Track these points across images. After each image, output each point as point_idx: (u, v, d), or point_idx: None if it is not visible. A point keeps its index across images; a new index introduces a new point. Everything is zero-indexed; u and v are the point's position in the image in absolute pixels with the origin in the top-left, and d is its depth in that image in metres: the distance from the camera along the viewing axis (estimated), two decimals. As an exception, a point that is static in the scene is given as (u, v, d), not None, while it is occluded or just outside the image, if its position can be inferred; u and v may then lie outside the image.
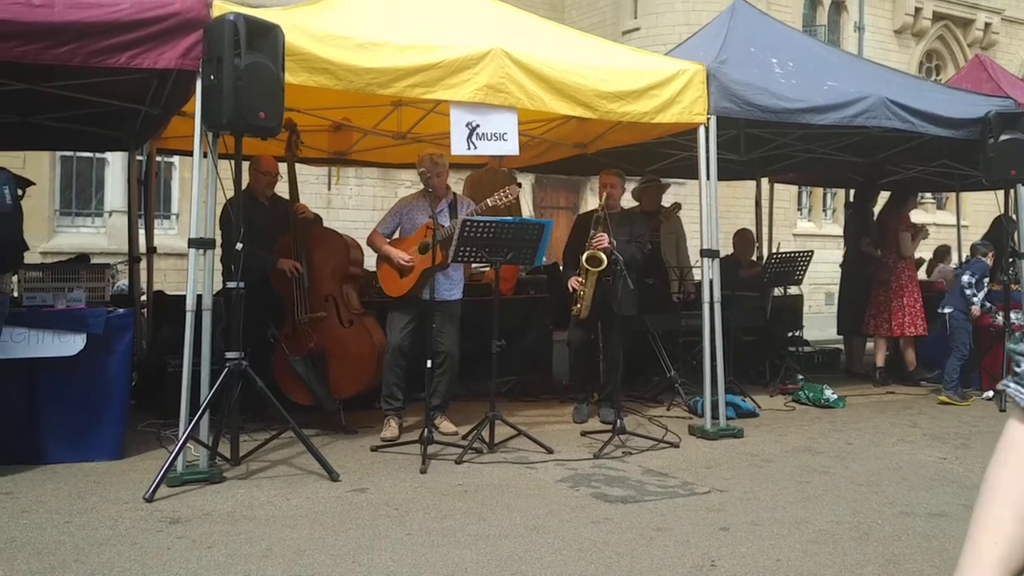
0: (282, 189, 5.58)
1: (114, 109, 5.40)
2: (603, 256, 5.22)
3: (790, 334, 7.75)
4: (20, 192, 3.99)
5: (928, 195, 17.96)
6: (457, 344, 5.12)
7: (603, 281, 5.28)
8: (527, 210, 9.91)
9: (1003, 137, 6.14)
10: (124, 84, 4.84)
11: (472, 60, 4.61)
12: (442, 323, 5.00)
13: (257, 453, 4.42)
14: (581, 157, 7.22)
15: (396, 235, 5.22)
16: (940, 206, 19.01)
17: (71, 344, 4.19)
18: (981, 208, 13.25)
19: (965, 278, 6.80)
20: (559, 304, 6.35)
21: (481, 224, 4.56)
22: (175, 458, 3.86)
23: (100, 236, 12.37)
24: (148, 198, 6.91)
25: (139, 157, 6.81)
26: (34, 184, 4.45)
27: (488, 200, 4.92)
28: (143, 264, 6.89)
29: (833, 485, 4.16)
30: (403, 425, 5.15)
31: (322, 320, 5.30)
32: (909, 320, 7.23)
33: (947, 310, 6.80)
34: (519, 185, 5.33)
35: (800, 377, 6.93)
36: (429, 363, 4.70)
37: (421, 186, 5.02)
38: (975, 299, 6.65)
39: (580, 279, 5.39)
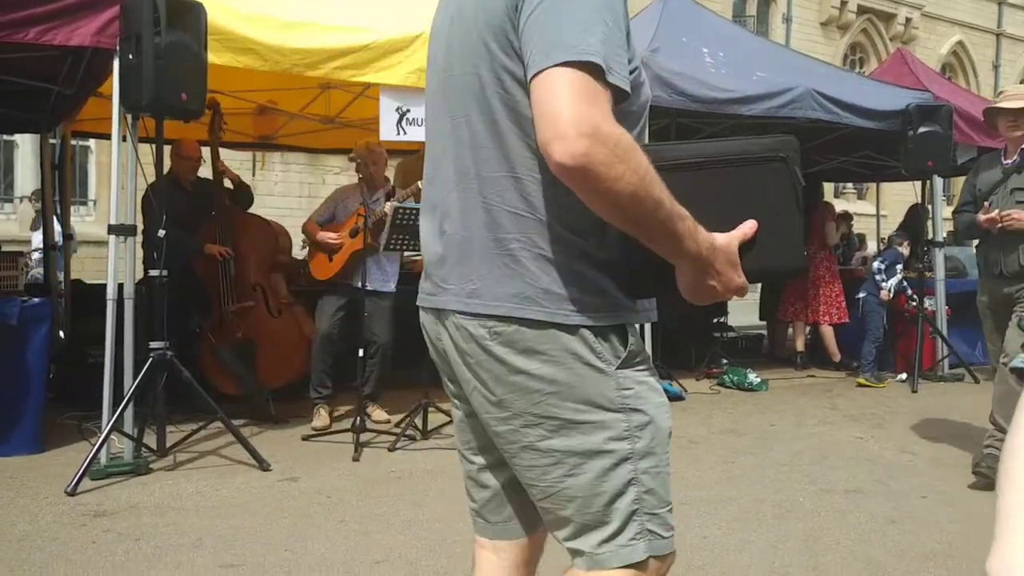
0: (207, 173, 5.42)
1: (24, 88, 5.15)
2: None
3: (715, 320, 7.93)
4: None
5: (849, 185, 18.63)
6: (390, 334, 5.07)
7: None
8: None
9: (922, 129, 6.40)
10: (34, 62, 4.60)
11: (403, 42, 4.56)
12: (375, 313, 4.95)
13: (184, 444, 4.31)
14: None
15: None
16: (860, 196, 19.75)
17: (-18, 334, 4.00)
18: (899, 198, 13.81)
19: (875, 264, 7.16)
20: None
21: (414, 211, 4.52)
22: (98, 450, 3.73)
23: (11, 223, 11.84)
24: (63, 183, 6.62)
25: (52, 140, 6.52)
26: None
27: (419, 182, 4.89)
28: (59, 253, 6.62)
29: (757, 465, 4.30)
30: (334, 414, 5.09)
31: (250, 310, 5.19)
32: (825, 309, 7.50)
33: (861, 295, 7.11)
34: None
35: (724, 361, 7.11)
36: (361, 352, 4.66)
37: (351, 171, 4.94)
38: (884, 284, 6.97)
39: None
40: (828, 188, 9.01)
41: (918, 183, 7.50)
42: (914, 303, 7.01)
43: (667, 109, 5.84)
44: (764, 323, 8.78)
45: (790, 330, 7.94)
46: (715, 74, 5.80)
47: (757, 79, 5.97)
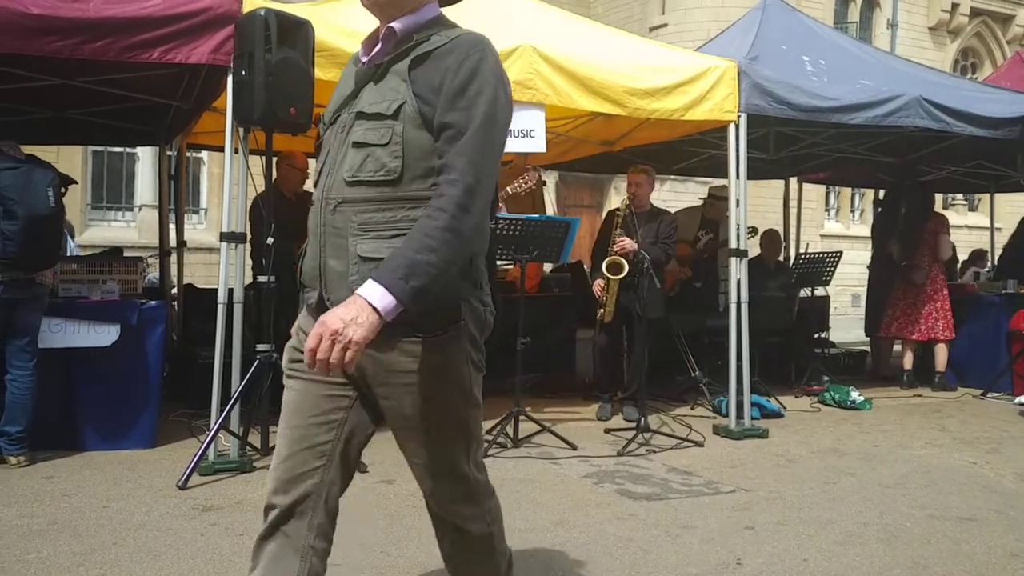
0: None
1: (146, 104, 5.48)
2: (623, 262, 5.21)
3: (816, 335, 7.68)
4: (63, 190, 4.08)
5: (960, 196, 17.69)
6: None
7: (628, 283, 5.26)
8: (551, 208, 9.96)
9: None
10: (156, 79, 4.90)
11: (500, 56, 4.61)
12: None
13: (284, 445, 4.47)
14: (606, 154, 7.20)
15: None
16: (972, 208, 18.73)
17: (106, 335, 4.28)
18: (1015, 210, 13.04)
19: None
20: (583, 302, 6.33)
21: (508, 221, 4.57)
22: (207, 447, 3.92)
23: (131, 230, 12.55)
24: (178, 193, 7.00)
25: (169, 152, 6.90)
26: (76, 183, 4.54)
27: (508, 188, 4.94)
28: (173, 258, 6.99)
29: (860, 487, 4.12)
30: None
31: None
32: (942, 324, 7.15)
33: None
34: (542, 179, 5.33)
35: (826, 378, 6.87)
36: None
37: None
38: None
39: (603, 284, 5.38)
40: (937, 199, 8.59)
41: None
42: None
43: (766, 118, 5.70)
44: (867, 339, 8.43)
45: (896, 346, 7.59)
46: (816, 82, 5.63)
47: (861, 87, 5.76)
